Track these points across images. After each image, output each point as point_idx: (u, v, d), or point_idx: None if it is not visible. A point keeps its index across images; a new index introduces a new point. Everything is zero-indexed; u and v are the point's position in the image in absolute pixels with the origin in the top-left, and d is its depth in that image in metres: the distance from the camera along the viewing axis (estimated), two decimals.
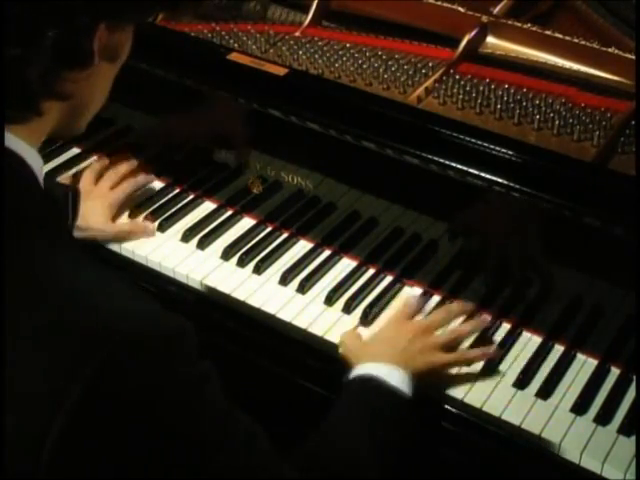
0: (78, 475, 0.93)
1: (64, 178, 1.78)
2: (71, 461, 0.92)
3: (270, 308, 1.51)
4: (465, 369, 1.40)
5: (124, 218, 1.69)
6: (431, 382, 1.37)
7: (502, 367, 1.41)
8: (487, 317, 1.48)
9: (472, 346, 1.44)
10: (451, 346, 1.41)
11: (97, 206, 1.63)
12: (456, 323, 1.46)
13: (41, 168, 1.02)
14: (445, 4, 1.79)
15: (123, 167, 1.73)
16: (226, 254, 1.61)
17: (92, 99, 1.07)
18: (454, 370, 1.40)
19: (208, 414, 0.99)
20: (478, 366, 1.41)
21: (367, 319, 1.49)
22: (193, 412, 0.97)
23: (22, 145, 0.98)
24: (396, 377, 1.30)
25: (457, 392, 1.37)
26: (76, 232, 1.41)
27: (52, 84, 0.97)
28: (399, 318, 1.45)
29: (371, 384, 1.29)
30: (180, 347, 0.96)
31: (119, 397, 0.91)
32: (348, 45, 1.78)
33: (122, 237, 1.63)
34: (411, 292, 1.54)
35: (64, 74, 0.97)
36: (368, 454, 1.20)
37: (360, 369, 1.32)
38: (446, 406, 1.37)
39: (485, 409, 1.34)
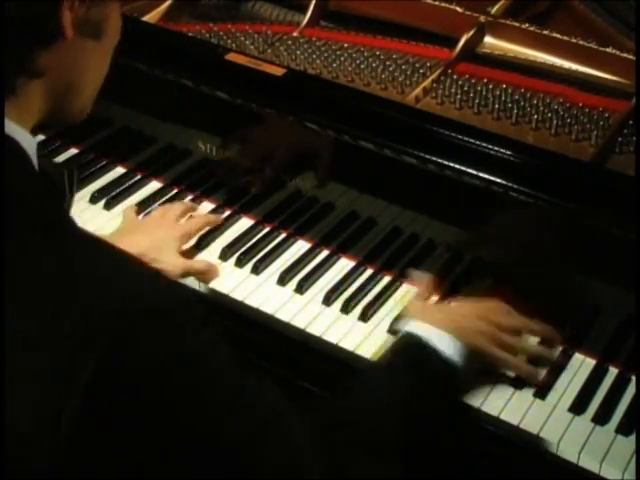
0: (97, 448, 0.92)
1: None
2: (89, 434, 0.91)
3: (268, 308, 1.51)
4: None
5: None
6: (478, 377, 1.33)
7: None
8: (554, 353, 1.42)
9: None
10: (509, 350, 1.36)
11: (168, 238, 1.55)
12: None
13: (34, 149, 1.00)
14: (443, 4, 1.79)
15: (187, 203, 1.69)
16: (224, 254, 1.61)
17: (81, 78, 1.05)
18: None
19: (219, 380, 0.98)
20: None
21: (365, 319, 1.49)
22: (205, 379, 0.96)
23: (12, 126, 0.96)
24: (446, 342, 1.26)
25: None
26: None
27: (22, 59, 0.95)
28: (466, 303, 1.40)
29: (417, 347, 1.25)
30: (186, 317, 0.96)
31: (131, 370, 0.91)
32: (346, 45, 1.78)
33: (188, 274, 1.54)
34: (409, 291, 1.54)
35: (34, 49, 0.95)
36: (397, 423, 1.17)
37: (408, 326, 1.29)
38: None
39: (483, 409, 1.34)
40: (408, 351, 1.28)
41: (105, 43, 1.06)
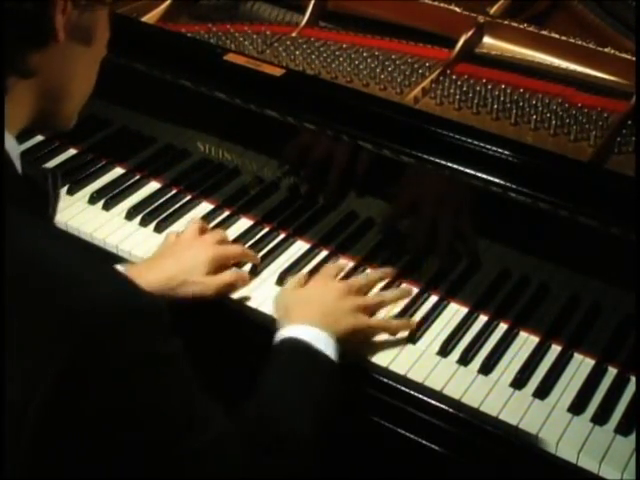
0: (56, 448, 0.96)
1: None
2: (49, 435, 0.95)
3: (267, 309, 1.51)
4: (463, 372, 1.40)
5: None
6: (355, 345, 1.41)
7: (499, 367, 1.41)
8: (412, 288, 1.53)
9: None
10: (374, 311, 1.47)
11: (199, 255, 1.51)
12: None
13: (18, 153, 1.02)
14: (442, 4, 1.79)
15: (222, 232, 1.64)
16: None
17: (70, 84, 1.07)
18: (379, 337, 1.44)
19: (179, 392, 1.02)
20: (477, 365, 1.41)
21: None
22: (166, 389, 1.00)
23: None
24: (322, 340, 1.33)
25: (453, 392, 1.37)
26: (169, 284, 1.46)
27: (14, 59, 0.97)
28: (325, 277, 1.50)
29: (299, 346, 1.32)
30: (153, 325, 0.99)
31: (97, 369, 0.94)
32: (345, 45, 1.78)
33: (224, 290, 1.52)
34: (408, 291, 1.54)
35: (26, 49, 0.97)
36: (302, 412, 1.24)
37: (289, 331, 1.35)
38: (444, 406, 1.37)
39: (482, 409, 1.34)
40: (291, 353, 1.34)
41: (94, 50, 1.08)
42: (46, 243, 0.98)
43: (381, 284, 1.54)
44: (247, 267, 1.58)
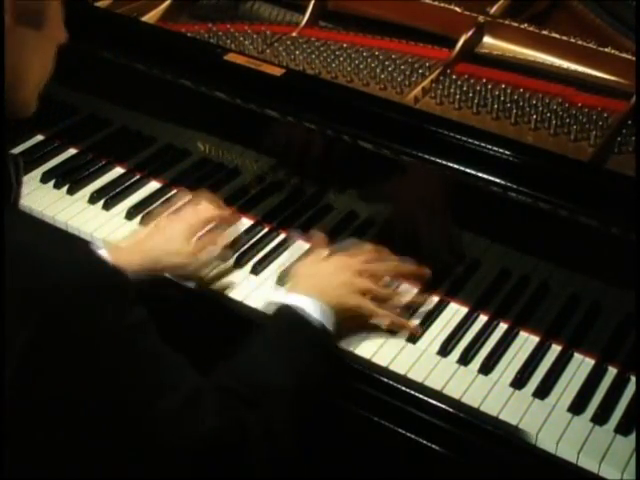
0: (34, 418, 1.01)
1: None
2: (24, 405, 1.00)
3: (268, 308, 1.50)
4: (463, 371, 1.40)
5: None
6: (352, 327, 1.43)
7: (499, 367, 1.41)
8: (425, 296, 1.52)
9: None
10: (383, 301, 1.46)
11: (175, 227, 1.53)
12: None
13: None
14: (442, 4, 1.79)
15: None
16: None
17: (22, 69, 1.07)
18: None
19: (146, 357, 1.06)
20: (476, 365, 1.41)
21: None
22: (132, 356, 1.04)
23: None
24: (317, 309, 1.34)
25: (453, 392, 1.37)
26: (149, 258, 1.47)
27: None
28: (346, 256, 1.48)
29: (301, 319, 1.33)
30: (117, 297, 1.03)
31: (62, 342, 0.99)
32: (345, 45, 1.78)
33: (202, 260, 1.53)
34: (407, 290, 1.54)
35: None
36: (283, 368, 1.26)
37: (290, 299, 1.36)
38: (444, 406, 1.37)
39: (482, 409, 1.34)
40: (294, 324, 1.35)
41: (46, 35, 1.08)
42: (13, 227, 1.01)
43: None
44: (248, 267, 1.59)
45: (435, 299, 1.53)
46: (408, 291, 1.53)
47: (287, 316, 1.35)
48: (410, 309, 1.50)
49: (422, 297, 1.52)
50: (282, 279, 1.55)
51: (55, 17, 1.09)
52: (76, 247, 1.05)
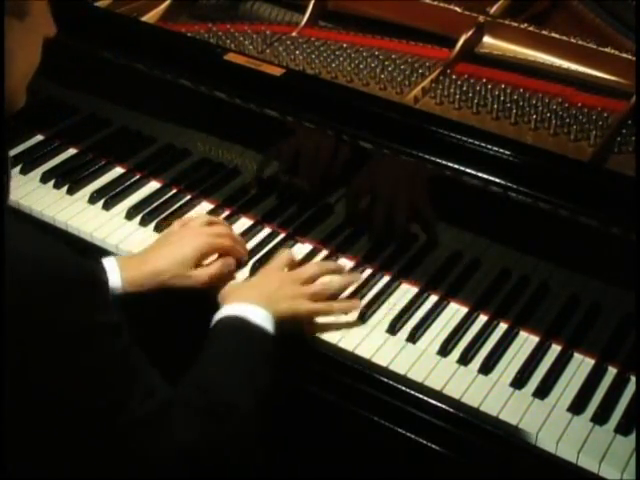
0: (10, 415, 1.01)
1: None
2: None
3: None
4: (463, 371, 1.40)
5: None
6: (295, 328, 1.44)
7: (499, 367, 1.41)
8: (360, 275, 1.55)
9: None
10: (321, 297, 1.47)
11: (186, 247, 1.50)
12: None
13: None
14: (442, 4, 1.79)
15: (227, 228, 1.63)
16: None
17: (8, 60, 1.07)
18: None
19: (116, 360, 1.07)
20: (477, 365, 1.41)
21: (363, 320, 1.49)
22: (100, 357, 1.05)
23: None
24: (259, 315, 1.36)
25: (453, 392, 1.37)
26: (159, 278, 1.47)
27: None
28: (272, 267, 1.51)
29: (236, 322, 1.35)
30: (88, 295, 1.03)
31: (29, 342, 0.99)
32: (345, 45, 1.78)
33: (212, 282, 1.51)
34: (407, 290, 1.54)
35: None
36: (239, 382, 1.26)
37: (226, 309, 1.38)
38: (444, 406, 1.37)
39: (482, 409, 1.34)
40: (229, 328, 1.36)
41: (30, 27, 1.08)
42: None
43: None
44: (247, 267, 1.59)
45: (435, 299, 1.53)
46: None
47: (229, 323, 1.36)
48: (409, 309, 1.50)
49: (356, 275, 1.55)
50: None
51: (40, 9, 1.09)
52: (51, 243, 1.05)
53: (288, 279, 1.47)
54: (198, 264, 1.51)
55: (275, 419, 1.32)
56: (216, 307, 1.41)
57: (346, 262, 1.60)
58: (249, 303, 1.37)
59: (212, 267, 1.52)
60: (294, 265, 1.53)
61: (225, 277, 1.53)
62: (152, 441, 1.09)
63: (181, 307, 1.54)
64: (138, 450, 1.09)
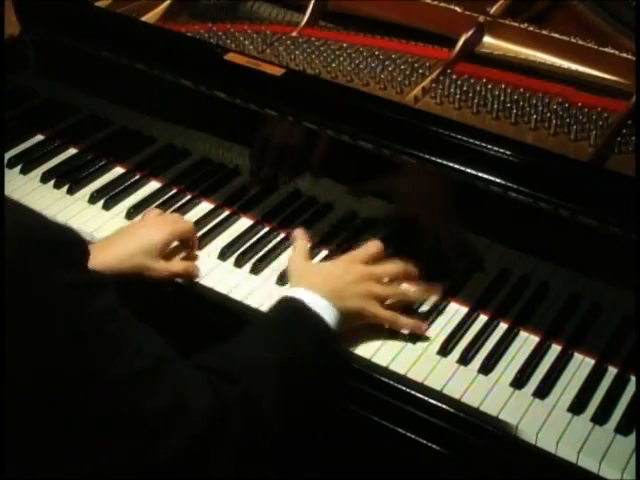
0: None
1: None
2: None
3: (267, 308, 1.50)
4: (463, 371, 1.40)
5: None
6: (355, 328, 1.41)
7: (499, 367, 1.41)
8: (438, 289, 1.51)
9: None
10: (391, 304, 1.45)
11: (153, 236, 1.53)
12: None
13: None
14: (442, 4, 1.79)
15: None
16: (223, 254, 1.61)
17: None
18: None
19: (102, 321, 1.05)
20: (476, 365, 1.41)
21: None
22: (89, 317, 1.03)
23: None
24: (319, 305, 1.33)
25: (453, 392, 1.37)
26: (122, 265, 1.48)
27: None
28: (351, 258, 1.47)
29: (297, 307, 1.33)
30: (62, 256, 1.02)
31: (12, 299, 0.98)
32: (345, 45, 1.78)
33: (174, 277, 1.54)
34: (407, 288, 1.54)
35: None
36: (271, 366, 1.23)
37: (292, 292, 1.36)
38: (444, 405, 1.37)
39: (482, 409, 1.34)
40: (289, 311, 1.34)
41: None
42: None
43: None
44: (248, 266, 1.59)
45: (435, 299, 1.53)
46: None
47: (284, 304, 1.35)
48: (409, 309, 1.50)
49: (427, 293, 1.51)
50: (282, 278, 1.55)
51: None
52: (30, 213, 1.05)
53: (366, 275, 1.43)
54: (164, 255, 1.53)
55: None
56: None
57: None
58: (314, 292, 1.35)
59: (176, 265, 1.54)
60: (378, 258, 1.48)
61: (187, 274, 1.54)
62: (146, 398, 1.07)
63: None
64: (128, 409, 1.06)
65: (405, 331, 1.45)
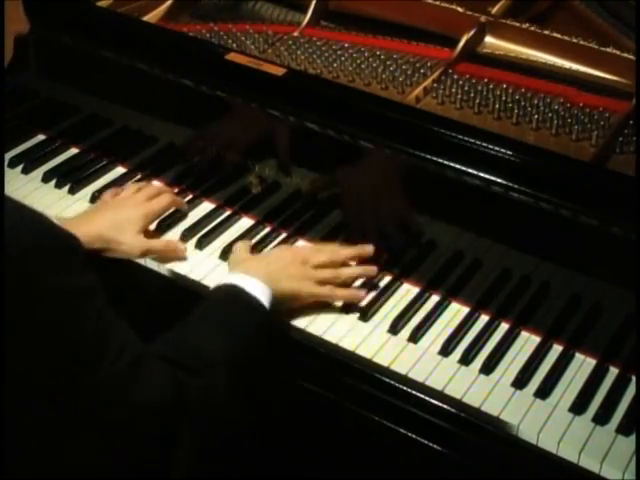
0: None
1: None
2: None
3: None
4: (464, 371, 1.40)
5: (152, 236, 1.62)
6: (293, 308, 1.46)
7: (501, 367, 1.41)
8: (374, 268, 1.54)
9: None
10: (327, 283, 1.48)
11: (131, 215, 1.57)
12: None
13: None
14: (443, 4, 1.79)
15: (159, 185, 1.73)
16: (225, 254, 1.61)
17: None
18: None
19: (91, 323, 1.07)
20: (477, 365, 1.41)
21: (365, 319, 1.49)
22: (76, 321, 1.05)
23: None
24: (256, 287, 1.38)
25: (454, 392, 1.37)
26: (99, 240, 1.51)
27: None
28: (294, 246, 1.57)
29: (230, 289, 1.38)
30: (62, 259, 1.04)
31: (11, 299, 0.99)
32: (346, 45, 1.78)
33: (147, 254, 1.57)
34: (408, 289, 1.54)
35: None
36: (218, 347, 1.28)
37: (227, 277, 1.41)
38: (445, 405, 1.37)
39: (483, 409, 1.34)
40: (230, 296, 1.39)
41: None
42: None
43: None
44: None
45: (436, 299, 1.53)
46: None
47: (225, 289, 1.38)
48: (410, 309, 1.50)
49: (371, 269, 1.54)
50: None
51: (11, 5, 1.09)
52: (29, 214, 1.06)
53: (299, 259, 1.49)
54: (142, 230, 1.57)
55: (272, 417, 1.32)
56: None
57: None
58: (251, 275, 1.39)
59: (155, 243, 1.58)
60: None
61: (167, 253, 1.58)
62: (125, 396, 1.10)
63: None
64: (113, 407, 1.10)
65: (340, 302, 1.49)
